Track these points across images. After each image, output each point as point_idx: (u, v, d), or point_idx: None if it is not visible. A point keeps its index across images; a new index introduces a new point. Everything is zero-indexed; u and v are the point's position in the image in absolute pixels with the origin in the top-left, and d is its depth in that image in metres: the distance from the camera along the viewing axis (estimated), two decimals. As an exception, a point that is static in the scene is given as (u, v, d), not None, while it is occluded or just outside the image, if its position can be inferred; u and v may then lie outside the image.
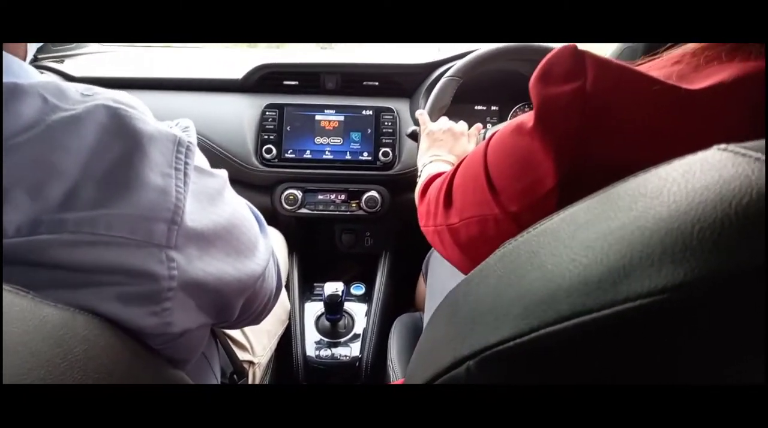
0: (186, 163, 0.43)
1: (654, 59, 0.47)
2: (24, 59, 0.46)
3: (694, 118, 0.40)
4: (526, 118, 0.48)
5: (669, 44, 0.48)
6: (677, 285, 0.19)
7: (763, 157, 0.21)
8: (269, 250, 0.58)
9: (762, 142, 0.22)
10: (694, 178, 0.22)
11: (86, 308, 0.36)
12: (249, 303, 0.55)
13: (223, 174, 0.50)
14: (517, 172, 0.48)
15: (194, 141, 0.45)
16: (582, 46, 0.44)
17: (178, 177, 0.42)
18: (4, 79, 0.39)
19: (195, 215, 0.42)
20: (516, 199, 0.48)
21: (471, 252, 0.56)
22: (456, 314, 0.33)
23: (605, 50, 1.09)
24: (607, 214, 0.24)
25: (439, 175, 0.75)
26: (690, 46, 0.44)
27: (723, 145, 0.23)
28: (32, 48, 1.29)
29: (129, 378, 0.37)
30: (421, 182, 0.79)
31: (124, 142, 0.39)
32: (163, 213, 0.40)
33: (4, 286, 0.31)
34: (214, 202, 0.46)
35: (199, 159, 0.46)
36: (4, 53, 0.42)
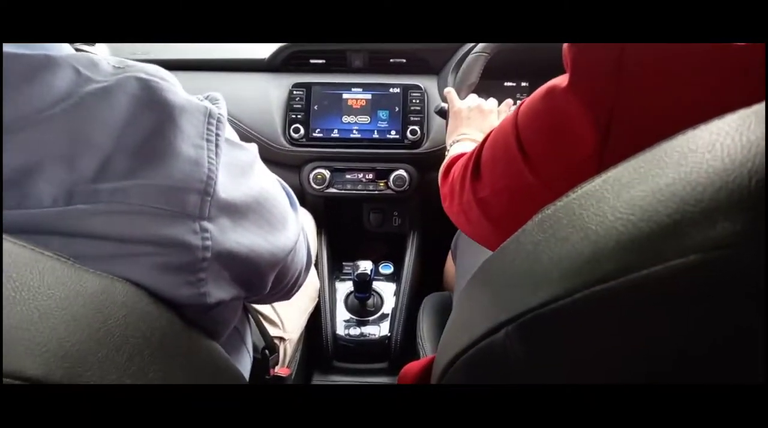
0: (217, 135, 0.43)
1: None
2: None
3: (732, 73, 0.39)
4: (558, 80, 0.47)
5: None
6: (733, 239, 0.18)
7: None
8: (299, 225, 0.58)
9: None
10: (749, 130, 0.21)
11: (124, 277, 0.37)
12: (280, 277, 0.56)
13: (253, 148, 0.50)
14: (552, 136, 0.47)
15: (224, 113, 0.45)
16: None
17: (209, 148, 0.42)
18: (36, 51, 0.39)
19: (227, 187, 0.43)
20: (551, 165, 0.47)
21: (502, 225, 0.55)
22: (491, 282, 0.33)
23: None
24: (655, 171, 0.23)
25: (461, 155, 0.74)
26: None
27: (780, 97, 0.22)
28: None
29: (164, 345, 0.38)
30: (444, 163, 0.78)
31: (155, 113, 0.40)
32: (196, 184, 0.40)
33: (45, 252, 0.31)
34: (245, 175, 0.46)
35: (230, 132, 0.46)
36: None
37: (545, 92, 0.48)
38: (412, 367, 0.74)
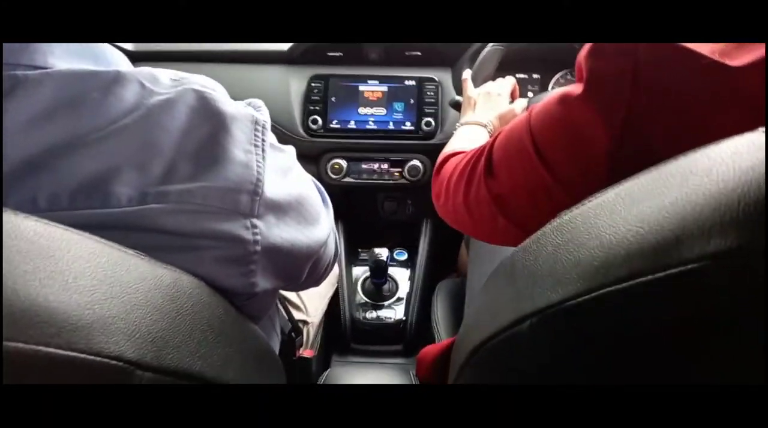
0: (263, 141, 0.47)
1: None
2: None
3: (738, 92, 0.42)
4: (571, 88, 0.50)
5: None
6: (724, 252, 0.22)
7: None
8: (331, 220, 0.63)
9: None
10: (741, 158, 0.25)
11: (187, 269, 0.42)
12: (314, 267, 0.61)
13: (291, 150, 0.54)
14: (567, 141, 0.50)
15: (268, 120, 0.50)
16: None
17: (257, 153, 0.46)
18: (106, 67, 0.44)
19: (272, 187, 0.47)
20: (566, 168, 0.50)
21: (521, 221, 0.58)
22: (514, 277, 0.37)
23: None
24: (661, 190, 0.27)
25: (454, 154, 0.76)
26: None
27: (768, 128, 0.26)
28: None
29: (223, 331, 0.43)
30: (438, 160, 0.79)
31: (211, 122, 0.44)
32: (247, 185, 0.44)
33: (128, 251, 0.36)
34: (286, 176, 0.51)
35: (272, 136, 0.50)
36: (108, 46, 0.46)
37: (559, 99, 0.51)
38: (429, 351, 0.79)
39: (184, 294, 0.38)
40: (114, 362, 0.30)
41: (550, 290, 0.31)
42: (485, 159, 0.62)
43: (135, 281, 0.34)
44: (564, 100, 0.50)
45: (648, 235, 0.25)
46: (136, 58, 1.34)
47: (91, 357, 0.28)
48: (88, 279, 0.31)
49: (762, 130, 0.26)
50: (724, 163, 0.25)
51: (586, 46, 0.47)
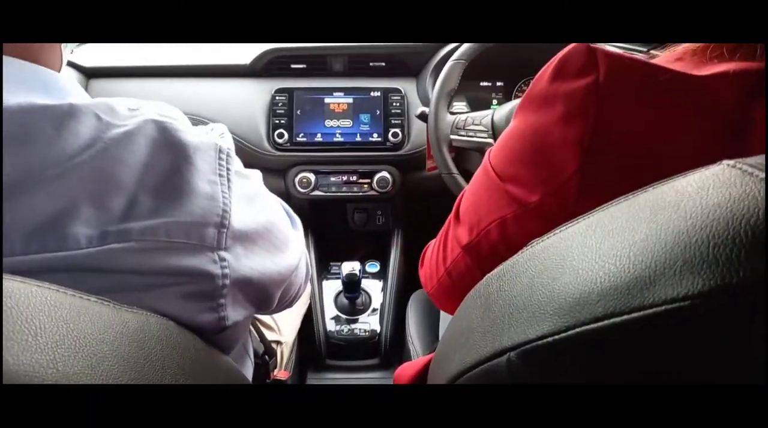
0: (228, 169, 0.46)
1: (654, 57, 0.49)
2: (60, 68, 0.49)
3: (702, 102, 0.43)
4: (533, 115, 0.51)
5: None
6: (696, 294, 0.22)
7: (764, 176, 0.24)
8: (301, 244, 0.62)
9: (762, 158, 0.26)
10: (708, 194, 0.25)
11: (153, 309, 0.40)
12: (285, 292, 0.60)
13: (257, 175, 0.53)
14: (535, 164, 0.51)
15: (232, 147, 0.49)
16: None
17: (222, 183, 0.45)
18: (60, 100, 0.42)
19: (239, 217, 0.46)
20: (536, 186, 0.51)
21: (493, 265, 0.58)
22: (490, 308, 0.37)
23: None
24: (631, 224, 0.28)
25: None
26: (692, 44, 0.46)
27: (731, 162, 0.27)
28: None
29: (194, 370, 0.41)
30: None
31: (173, 154, 0.43)
32: (213, 217, 0.43)
33: (90, 298, 0.35)
34: (253, 203, 0.50)
35: (237, 163, 0.49)
36: (59, 75, 0.45)
37: (521, 127, 0.51)
38: (406, 369, 0.78)
39: (152, 338, 0.37)
40: (80, 422, 0.28)
41: (526, 325, 0.31)
42: (453, 211, 0.63)
43: (99, 332, 0.33)
44: (528, 125, 0.51)
45: (620, 273, 0.26)
46: (93, 74, 1.30)
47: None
48: (49, 336, 0.29)
49: (725, 162, 0.27)
50: (691, 198, 0.26)
51: (548, 70, 0.48)
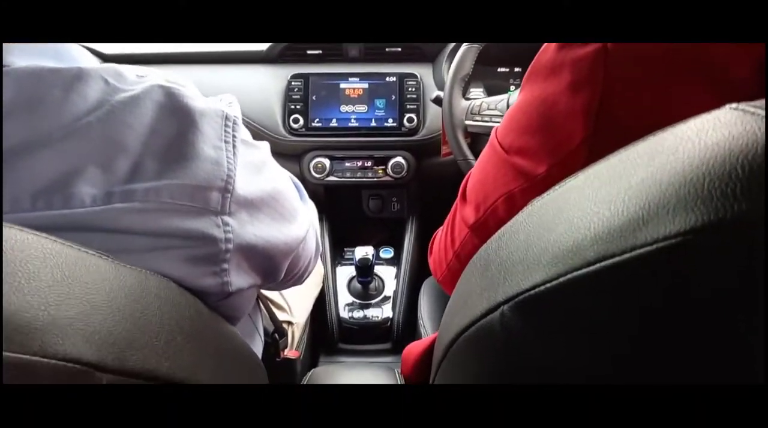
0: (234, 136, 0.46)
1: None
2: None
3: (714, 76, 0.42)
4: (539, 85, 0.50)
5: None
6: (689, 230, 0.21)
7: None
8: (309, 217, 0.62)
9: None
10: (707, 135, 0.24)
11: (155, 270, 0.41)
12: (293, 265, 0.60)
13: (265, 146, 0.53)
14: (542, 136, 0.50)
15: (239, 115, 0.49)
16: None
17: (228, 149, 0.45)
18: (69, 64, 0.42)
19: (244, 184, 0.46)
20: (543, 162, 0.50)
21: None
22: (488, 267, 0.37)
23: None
24: (628, 170, 0.27)
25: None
26: None
27: (734, 104, 0.26)
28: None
29: (194, 331, 0.42)
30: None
31: (179, 118, 0.43)
32: (217, 182, 0.43)
33: (89, 251, 0.35)
34: (259, 172, 0.50)
35: (244, 133, 0.49)
36: (71, 44, 0.45)
37: (528, 99, 0.51)
38: (414, 348, 0.78)
39: (150, 294, 0.37)
40: (71, 365, 0.29)
41: (521, 277, 0.30)
42: (460, 192, 0.62)
43: (95, 282, 0.33)
44: (535, 96, 0.50)
45: (614, 217, 0.25)
46: (113, 61, 1.32)
47: (46, 360, 0.27)
48: (42, 281, 0.29)
49: (728, 106, 0.26)
50: (690, 140, 0.25)
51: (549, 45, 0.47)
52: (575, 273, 0.25)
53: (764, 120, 0.23)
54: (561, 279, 0.26)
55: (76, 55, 0.46)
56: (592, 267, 0.25)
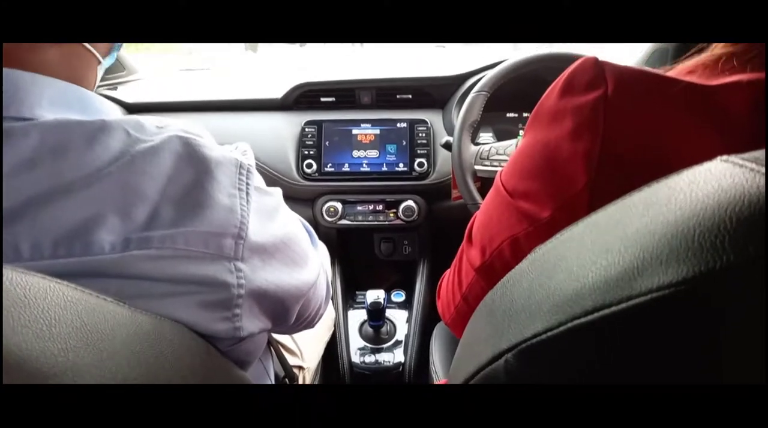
0: (247, 184, 0.48)
1: (668, 70, 0.50)
2: (93, 86, 0.52)
3: (713, 114, 0.43)
4: (541, 132, 0.51)
5: (699, 45, 0.51)
6: (680, 281, 0.22)
7: (757, 168, 0.24)
8: (320, 261, 0.63)
9: (759, 153, 0.26)
10: (698, 187, 0.25)
11: (169, 315, 0.42)
12: (303, 309, 0.60)
13: (277, 192, 0.55)
14: (546, 181, 0.51)
15: (253, 163, 0.51)
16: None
17: (241, 196, 0.47)
18: (94, 117, 0.45)
19: (257, 230, 0.48)
20: (547, 202, 0.51)
21: None
22: (493, 314, 0.37)
23: (635, 52, 1.11)
24: (624, 220, 0.28)
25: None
26: (702, 58, 0.46)
27: (725, 157, 0.27)
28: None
29: (207, 376, 0.42)
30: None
31: (195, 167, 0.45)
32: (231, 229, 0.45)
33: (107, 298, 0.36)
34: (272, 218, 0.51)
35: (258, 179, 0.51)
36: (95, 95, 0.48)
37: (531, 145, 0.52)
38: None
39: (164, 339, 0.38)
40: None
41: (523, 325, 0.31)
42: (466, 234, 0.63)
43: (112, 329, 0.34)
44: (537, 141, 0.51)
45: (611, 266, 0.26)
46: (131, 110, 1.38)
47: (63, 406, 0.28)
48: (62, 327, 0.31)
49: (719, 158, 0.27)
50: (683, 191, 0.26)
51: (557, 85, 0.49)
52: (575, 322, 0.26)
53: (752, 173, 0.24)
54: (561, 328, 0.27)
55: (100, 106, 0.49)
56: (590, 317, 0.26)
